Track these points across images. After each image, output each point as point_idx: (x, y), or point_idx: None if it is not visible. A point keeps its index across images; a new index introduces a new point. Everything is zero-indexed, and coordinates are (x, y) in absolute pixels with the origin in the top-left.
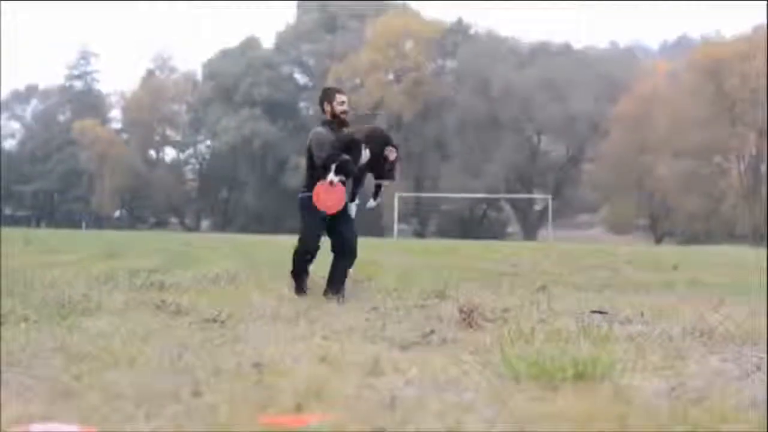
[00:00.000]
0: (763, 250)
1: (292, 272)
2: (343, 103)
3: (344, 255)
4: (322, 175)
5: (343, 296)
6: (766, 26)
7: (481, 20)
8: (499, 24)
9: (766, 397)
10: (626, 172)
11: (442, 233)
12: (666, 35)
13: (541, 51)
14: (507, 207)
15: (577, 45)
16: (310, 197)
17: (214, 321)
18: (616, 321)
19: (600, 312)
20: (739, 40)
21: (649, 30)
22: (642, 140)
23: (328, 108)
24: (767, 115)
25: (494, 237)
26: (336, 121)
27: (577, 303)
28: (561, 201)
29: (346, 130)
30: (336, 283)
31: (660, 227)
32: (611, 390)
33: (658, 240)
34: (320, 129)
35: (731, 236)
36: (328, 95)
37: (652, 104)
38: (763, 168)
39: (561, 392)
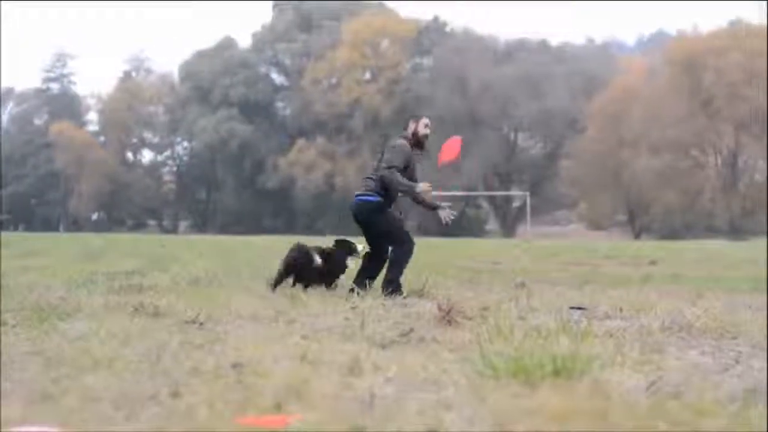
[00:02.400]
0: (740, 244)
1: (396, 288)
2: (426, 126)
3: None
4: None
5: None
6: (742, 21)
7: (458, 18)
8: (476, 22)
9: (743, 390)
10: (604, 167)
11: (421, 231)
12: (642, 30)
13: (518, 48)
14: (485, 204)
15: (554, 41)
16: (383, 203)
17: (193, 322)
18: (595, 317)
19: (579, 308)
20: (716, 35)
21: (625, 26)
22: (619, 136)
23: (413, 126)
24: None
25: (473, 234)
26: (415, 141)
27: (556, 299)
28: (539, 197)
29: (419, 152)
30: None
31: (638, 222)
32: (590, 386)
33: (637, 235)
34: (404, 141)
35: (709, 230)
36: (416, 117)
37: (629, 99)
38: (741, 162)
39: (540, 389)
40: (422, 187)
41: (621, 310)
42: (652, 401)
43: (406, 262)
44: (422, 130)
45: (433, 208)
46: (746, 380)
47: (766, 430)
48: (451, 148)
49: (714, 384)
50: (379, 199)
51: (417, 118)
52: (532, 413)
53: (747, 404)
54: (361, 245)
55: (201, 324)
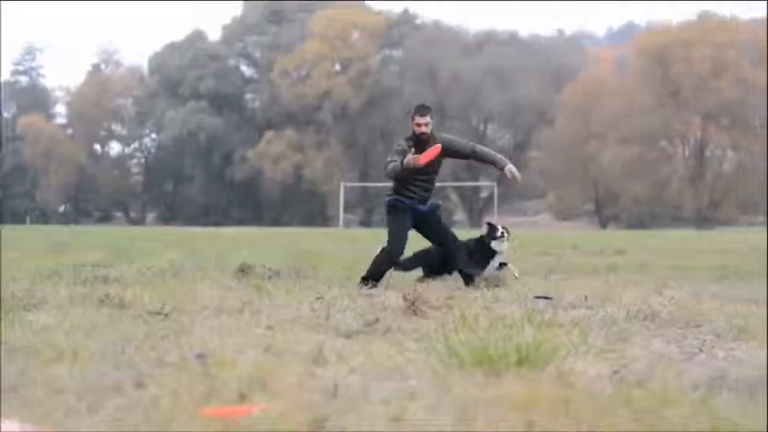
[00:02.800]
0: (707, 234)
1: (366, 277)
2: (419, 125)
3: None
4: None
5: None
6: (711, 13)
7: (427, 11)
8: (445, 14)
9: (707, 379)
10: (572, 158)
11: (384, 223)
12: (612, 22)
13: (488, 40)
14: (453, 195)
15: (524, 33)
16: (395, 200)
17: (158, 314)
18: (560, 306)
19: (544, 297)
20: (685, 27)
21: (594, 17)
22: (588, 127)
23: (411, 125)
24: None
25: None
26: (416, 139)
27: (521, 289)
28: (507, 188)
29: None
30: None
31: (605, 212)
32: (554, 374)
33: (604, 225)
34: (401, 141)
35: (676, 220)
36: (412, 114)
37: (598, 91)
38: (708, 152)
39: (504, 378)
40: (408, 158)
41: (586, 299)
42: (616, 390)
43: (382, 264)
44: (416, 129)
45: (492, 162)
46: (710, 368)
47: (729, 417)
48: (428, 155)
49: (678, 372)
50: (388, 199)
51: (412, 116)
52: (495, 402)
53: (711, 392)
54: (501, 228)
55: (166, 315)
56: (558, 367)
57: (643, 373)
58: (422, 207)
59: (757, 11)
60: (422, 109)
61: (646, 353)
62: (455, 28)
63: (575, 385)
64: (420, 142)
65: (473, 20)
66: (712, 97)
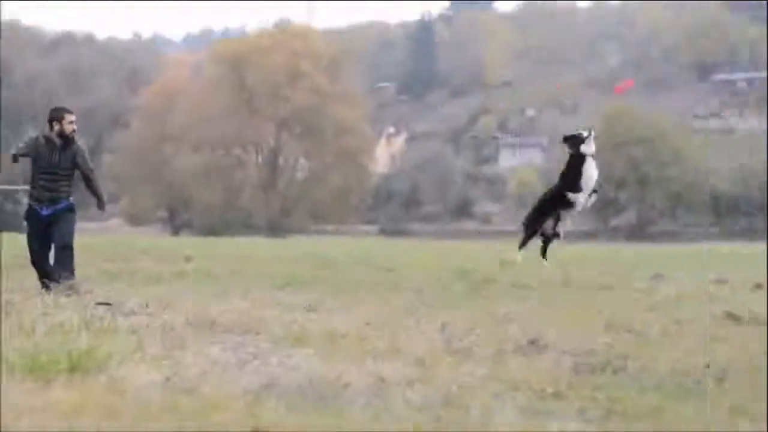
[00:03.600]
0: (276, 241)
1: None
2: (72, 122)
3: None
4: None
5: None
6: (289, 22)
7: (5, 9)
8: (22, 13)
9: (258, 385)
10: (146, 163)
11: None
12: (190, 28)
13: (65, 41)
14: (24, 199)
15: (101, 36)
16: (27, 208)
17: None
18: (121, 313)
19: (105, 304)
20: (261, 35)
21: (172, 22)
22: (163, 131)
23: (57, 127)
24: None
25: (14, 229)
26: (64, 139)
27: (84, 296)
28: (83, 194)
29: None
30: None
31: (178, 218)
32: (105, 381)
33: (176, 231)
34: (33, 137)
35: (248, 227)
36: (57, 115)
37: (174, 95)
38: (281, 160)
39: (54, 385)
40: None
41: (147, 305)
42: (166, 396)
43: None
44: (68, 128)
45: (98, 196)
46: (262, 375)
47: (276, 422)
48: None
49: (230, 379)
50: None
51: (59, 117)
52: (42, 409)
53: (258, 398)
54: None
55: None
56: (110, 374)
57: (195, 380)
58: (45, 210)
59: (329, 22)
60: (67, 110)
61: (201, 360)
62: (32, 28)
63: (125, 391)
64: (68, 141)
65: (52, 20)
66: (286, 105)
